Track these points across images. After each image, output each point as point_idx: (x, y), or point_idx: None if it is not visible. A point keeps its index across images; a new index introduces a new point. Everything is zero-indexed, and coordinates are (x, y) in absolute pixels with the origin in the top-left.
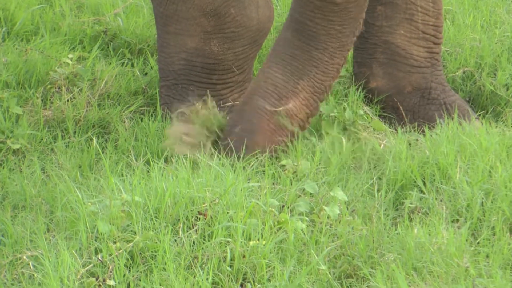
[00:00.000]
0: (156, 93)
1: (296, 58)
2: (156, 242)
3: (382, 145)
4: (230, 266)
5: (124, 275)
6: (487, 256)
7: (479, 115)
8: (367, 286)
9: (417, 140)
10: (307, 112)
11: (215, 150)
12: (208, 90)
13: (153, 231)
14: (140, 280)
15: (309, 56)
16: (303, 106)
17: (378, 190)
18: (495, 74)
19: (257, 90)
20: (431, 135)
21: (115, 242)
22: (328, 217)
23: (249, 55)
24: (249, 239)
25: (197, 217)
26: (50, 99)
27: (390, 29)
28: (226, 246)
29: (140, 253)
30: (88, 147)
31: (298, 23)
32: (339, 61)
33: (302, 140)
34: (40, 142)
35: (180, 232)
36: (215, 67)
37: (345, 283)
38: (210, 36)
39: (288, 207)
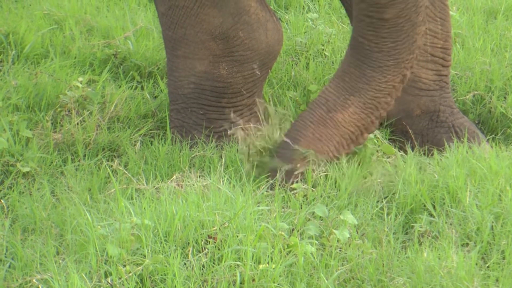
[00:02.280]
0: (166, 116)
1: (350, 75)
2: (166, 266)
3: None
4: None
5: None
6: (497, 280)
7: (489, 138)
8: None
9: (427, 163)
10: (358, 125)
11: None
12: (218, 113)
13: (162, 254)
14: None
15: (361, 73)
16: (352, 120)
17: (388, 214)
18: (505, 97)
19: (310, 104)
20: (440, 159)
21: (124, 266)
22: (338, 241)
23: (259, 78)
24: (259, 263)
25: (207, 240)
26: (60, 122)
27: None
28: (235, 270)
29: (150, 277)
30: (98, 170)
31: (354, 40)
32: (393, 78)
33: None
34: (50, 165)
35: (190, 255)
36: (224, 91)
37: None
38: (219, 60)
39: (298, 231)
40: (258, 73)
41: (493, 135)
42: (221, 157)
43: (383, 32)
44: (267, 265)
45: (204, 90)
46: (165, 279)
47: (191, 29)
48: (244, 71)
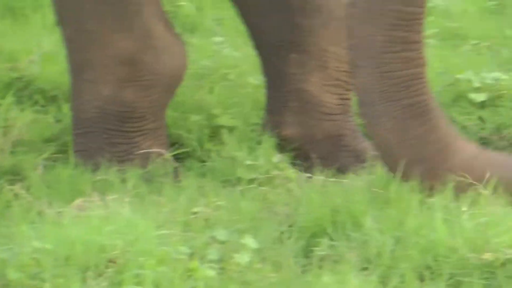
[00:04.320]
0: (69, 140)
1: None
2: None
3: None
4: None
5: None
6: None
7: None
8: None
9: (329, 187)
10: None
11: None
12: (121, 138)
13: (62, 278)
14: None
15: None
16: None
17: (289, 238)
18: None
19: None
20: (343, 183)
21: None
22: (238, 265)
23: (163, 102)
24: (159, 287)
25: (107, 264)
26: None
27: (303, 76)
28: None
29: None
30: None
31: None
32: None
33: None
34: None
35: (89, 279)
36: (129, 115)
37: None
38: (125, 84)
39: (198, 255)
40: (163, 97)
41: None
42: (123, 181)
43: None
44: None
45: (109, 114)
46: None
47: (96, 53)
48: (149, 95)
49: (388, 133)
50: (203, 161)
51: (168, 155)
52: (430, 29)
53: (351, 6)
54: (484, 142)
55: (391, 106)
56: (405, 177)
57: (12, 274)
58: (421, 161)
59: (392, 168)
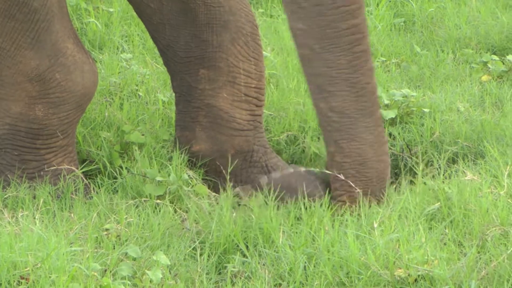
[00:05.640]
0: None
1: None
2: None
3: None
4: None
5: None
6: None
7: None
8: None
9: (240, 204)
10: None
11: None
12: (32, 155)
13: None
14: None
15: None
16: None
17: (201, 254)
18: (318, 137)
19: None
20: (254, 199)
21: None
22: (150, 281)
23: (73, 119)
24: None
25: (19, 281)
26: None
27: (213, 92)
28: None
29: None
30: None
31: None
32: None
33: (128, 203)
34: None
35: None
36: (39, 132)
37: None
38: (35, 101)
39: (110, 271)
40: (73, 114)
41: None
42: (34, 198)
43: None
44: None
45: (19, 131)
46: None
47: (7, 70)
48: (59, 113)
49: None
50: (114, 178)
51: (78, 171)
52: None
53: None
54: (395, 158)
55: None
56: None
57: None
58: None
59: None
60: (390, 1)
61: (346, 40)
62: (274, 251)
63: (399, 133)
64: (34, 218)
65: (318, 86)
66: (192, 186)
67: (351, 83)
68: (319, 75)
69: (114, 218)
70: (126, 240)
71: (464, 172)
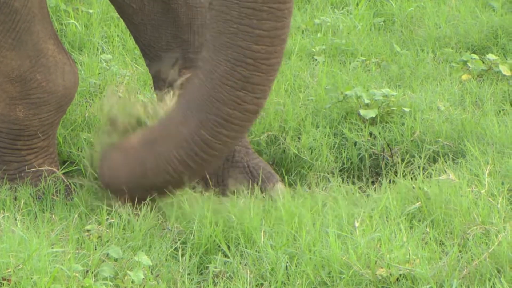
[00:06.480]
0: None
1: None
2: None
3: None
4: None
5: None
6: None
7: (283, 178)
8: None
9: (221, 204)
10: None
11: None
12: (12, 156)
13: None
14: None
15: None
16: None
17: (183, 255)
18: (299, 138)
19: None
20: (236, 199)
21: None
22: (132, 282)
23: (54, 120)
24: None
25: (1, 282)
26: None
27: None
28: None
29: None
30: None
31: None
32: None
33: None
34: None
35: None
36: (20, 133)
37: None
38: (16, 102)
39: (92, 272)
40: (54, 115)
41: (287, 176)
42: (15, 199)
43: None
44: None
45: (0, 132)
46: None
47: None
48: (40, 113)
49: None
50: (95, 179)
51: (59, 173)
52: (318, 46)
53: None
54: (375, 158)
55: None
56: None
57: None
58: None
59: None
60: (369, 1)
61: None
62: (256, 251)
63: (379, 133)
64: (15, 219)
65: None
66: None
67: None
68: None
69: (95, 219)
70: (107, 241)
71: (444, 171)
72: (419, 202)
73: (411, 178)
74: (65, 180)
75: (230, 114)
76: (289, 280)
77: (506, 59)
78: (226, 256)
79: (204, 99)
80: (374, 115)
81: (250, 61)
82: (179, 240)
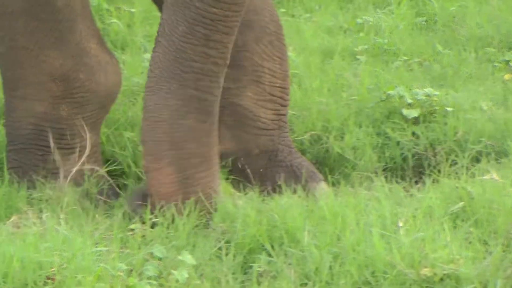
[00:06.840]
0: (3, 157)
1: None
2: None
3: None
4: None
5: None
6: None
7: (326, 177)
8: None
9: (265, 203)
10: None
11: None
12: (56, 155)
13: None
14: None
15: None
16: None
17: (227, 254)
18: (342, 137)
19: None
20: (279, 199)
21: None
22: (176, 281)
23: (98, 119)
24: None
25: (45, 281)
26: None
27: (238, 91)
28: None
29: None
30: None
31: None
32: None
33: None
34: None
35: None
36: (63, 132)
37: None
38: (59, 101)
39: (136, 271)
40: (97, 115)
41: (330, 175)
42: (59, 198)
43: None
44: None
45: (43, 131)
46: None
47: (31, 70)
48: (83, 112)
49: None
50: (138, 178)
51: (103, 171)
52: (360, 45)
53: None
54: (419, 158)
55: (174, 93)
56: None
57: None
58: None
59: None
60: (411, 0)
61: None
62: (300, 250)
63: (422, 132)
64: (59, 218)
65: None
66: None
67: None
68: None
69: (139, 218)
70: (151, 240)
71: (488, 171)
72: (463, 202)
73: (454, 178)
74: (109, 179)
75: (202, 68)
76: (333, 280)
77: None
78: (270, 255)
79: (172, 63)
80: (417, 115)
81: (209, 22)
82: (223, 239)
